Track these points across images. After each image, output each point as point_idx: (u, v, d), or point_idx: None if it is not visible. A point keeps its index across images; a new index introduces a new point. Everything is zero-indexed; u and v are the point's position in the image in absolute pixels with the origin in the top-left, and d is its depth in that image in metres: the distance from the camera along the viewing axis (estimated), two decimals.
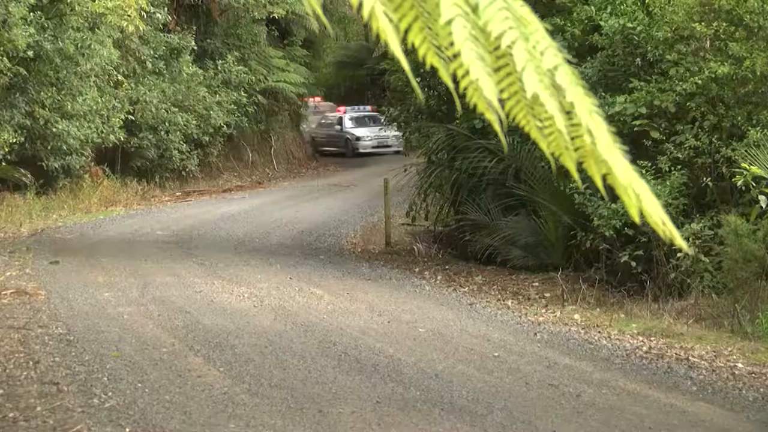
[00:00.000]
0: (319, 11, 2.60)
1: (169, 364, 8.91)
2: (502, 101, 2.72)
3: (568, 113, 2.73)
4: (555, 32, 16.69)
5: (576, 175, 2.87)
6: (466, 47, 2.47)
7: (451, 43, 2.59)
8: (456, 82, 2.72)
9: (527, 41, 2.54)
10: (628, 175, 2.74)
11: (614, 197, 3.03)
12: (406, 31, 2.63)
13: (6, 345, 9.45)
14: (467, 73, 2.62)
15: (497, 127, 2.70)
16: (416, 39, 2.63)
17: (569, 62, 2.67)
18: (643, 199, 2.77)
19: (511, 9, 2.57)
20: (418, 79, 19.86)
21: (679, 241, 2.76)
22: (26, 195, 23.59)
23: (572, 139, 2.79)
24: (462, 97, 2.76)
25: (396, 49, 2.49)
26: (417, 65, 2.86)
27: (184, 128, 30.04)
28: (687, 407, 8.50)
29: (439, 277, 16.23)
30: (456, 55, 2.61)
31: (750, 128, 13.98)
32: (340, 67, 48.53)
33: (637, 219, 2.81)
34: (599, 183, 2.85)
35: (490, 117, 2.68)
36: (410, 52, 2.67)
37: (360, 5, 2.47)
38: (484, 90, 2.48)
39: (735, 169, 13.07)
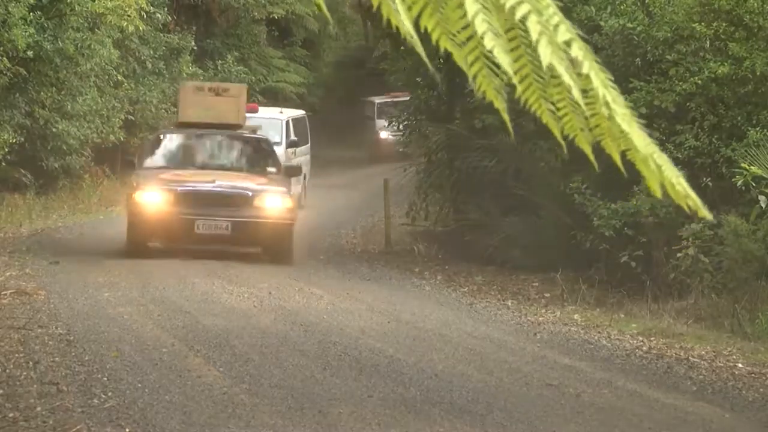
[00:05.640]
0: (322, 5, 2.60)
1: (169, 364, 8.91)
2: (512, 86, 2.71)
3: (584, 91, 2.71)
4: None
5: (592, 157, 2.84)
6: (479, 19, 2.46)
7: (464, 27, 2.58)
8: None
9: (541, 15, 2.53)
10: (648, 146, 2.72)
11: (628, 184, 3.00)
12: (419, 16, 2.62)
13: (6, 345, 9.45)
14: (477, 58, 2.61)
15: (505, 115, 2.69)
16: (429, 23, 2.62)
17: (581, 38, 2.66)
18: (664, 170, 2.75)
19: None
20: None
21: (704, 212, 2.74)
22: (26, 195, 23.58)
23: (587, 118, 2.77)
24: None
25: (407, 29, 2.49)
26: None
27: None
28: (687, 407, 8.50)
29: (439, 277, 16.24)
30: (468, 39, 2.60)
31: (750, 128, 13.98)
32: (340, 67, 48.52)
33: (658, 193, 2.78)
34: (618, 160, 2.82)
35: (499, 105, 2.67)
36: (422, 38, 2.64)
37: None
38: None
39: (735, 169, 13.07)
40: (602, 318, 12.63)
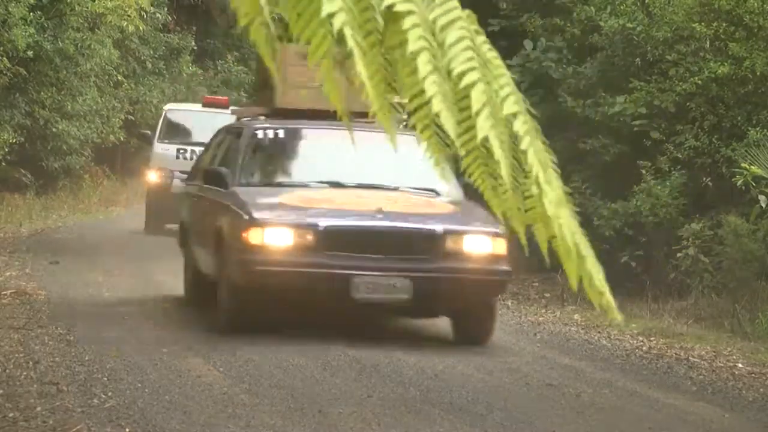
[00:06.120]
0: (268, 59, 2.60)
1: (169, 364, 8.92)
2: (459, 157, 2.71)
3: (521, 171, 2.72)
4: (555, 32, 16.70)
5: (523, 240, 2.86)
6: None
7: (417, 93, 2.57)
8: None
9: (489, 85, 2.52)
10: (575, 236, 2.74)
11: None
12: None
13: (6, 345, 9.45)
14: (428, 126, 2.61)
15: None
16: (372, 93, 2.61)
17: (530, 113, 2.65)
18: (588, 262, 2.78)
19: (478, 51, 2.55)
20: None
21: (615, 313, 2.79)
22: (26, 195, 23.60)
23: (525, 199, 2.78)
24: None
25: (343, 111, 2.50)
26: None
27: None
28: (687, 407, 8.51)
29: None
30: (416, 110, 2.60)
31: (750, 128, 13.98)
32: None
33: (575, 285, 2.82)
34: (544, 249, 2.85)
35: (446, 176, 2.67)
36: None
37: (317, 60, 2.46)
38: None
39: (735, 169, 13.08)
40: (602, 318, 12.63)
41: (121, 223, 22.13)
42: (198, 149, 19.87)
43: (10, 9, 20.83)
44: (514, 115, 2.54)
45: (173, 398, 7.75)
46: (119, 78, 26.97)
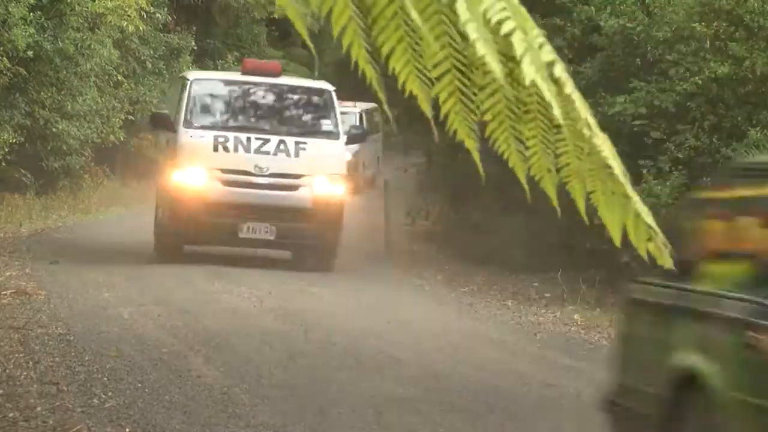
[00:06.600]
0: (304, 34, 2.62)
1: (169, 364, 8.92)
2: (483, 124, 2.71)
3: (557, 127, 2.71)
4: (555, 32, 16.69)
5: (555, 201, 2.85)
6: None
7: (441, 60, 2.58)
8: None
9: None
10: (624, 176, 2.73)
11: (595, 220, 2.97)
12: (387, 57, 2.62)
13: (6, 345, 9.44)
14: (451, 94, 2.60)
15: (476, 154, 2.71)
16: (398, 64, 2.62)
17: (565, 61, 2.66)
18: (636, 203, 2.77)
19: (510, 2, 2.56)
20: None
21: (666, 260, 2.77)
22: (26, 195, 23.59)
23: (557, 157, 2.77)
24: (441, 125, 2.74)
25: (372, 74, 2.49)
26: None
27: None
28: None
29: (439, 277, 16.23)
30: (440, 78, 2.59)
31: (750, 128, 13.98)
32: (340, 67, 48.47)
33: (617, 239, 2.81)
34: (582, 205, 2.83)
35: (470, 144, 2.67)
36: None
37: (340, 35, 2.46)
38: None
39: None
40: (602, 318, 12.63)
41: (122, 224, 22.11)
42: (245, 136, 15.15)
43: (10, 9, 20.82)
44: (552, 62, 2.55)
45: (173, 398, 7.75)
46: (119, 78, 26.93)
